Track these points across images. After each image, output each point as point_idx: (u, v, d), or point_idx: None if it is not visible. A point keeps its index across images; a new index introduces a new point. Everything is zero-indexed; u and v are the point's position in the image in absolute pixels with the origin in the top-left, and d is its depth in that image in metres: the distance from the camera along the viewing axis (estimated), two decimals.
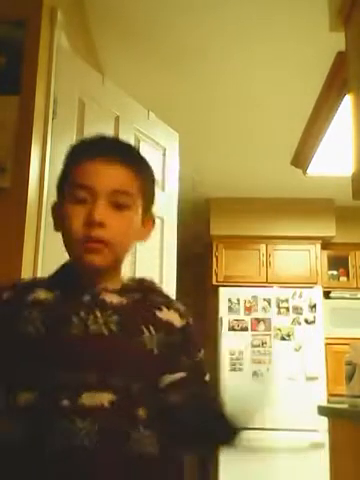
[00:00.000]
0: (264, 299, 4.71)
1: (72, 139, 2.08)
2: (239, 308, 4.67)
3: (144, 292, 1.01)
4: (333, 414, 2.08)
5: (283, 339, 4.58)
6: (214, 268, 4.90)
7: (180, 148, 2.70)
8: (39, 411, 0.86)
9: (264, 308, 4.69)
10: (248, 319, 4.64)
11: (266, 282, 4.88)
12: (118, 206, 0.94)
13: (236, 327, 4.55)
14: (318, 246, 4.99)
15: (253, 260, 4.94)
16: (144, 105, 2.48)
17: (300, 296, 4.72)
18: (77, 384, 0.87)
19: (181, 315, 1.01)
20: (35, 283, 1.01)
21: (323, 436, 3.68)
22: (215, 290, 4.75)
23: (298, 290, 4.73)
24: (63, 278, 0.99)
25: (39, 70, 1.88)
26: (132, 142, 2.40)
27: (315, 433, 4.10)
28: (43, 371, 0.88)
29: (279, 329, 4.61)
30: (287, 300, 4.71)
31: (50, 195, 1.92)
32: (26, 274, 1.76)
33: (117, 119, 2.32)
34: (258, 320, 4.64)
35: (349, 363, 1.93)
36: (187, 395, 0.96)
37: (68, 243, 0.96)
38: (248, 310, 4.67)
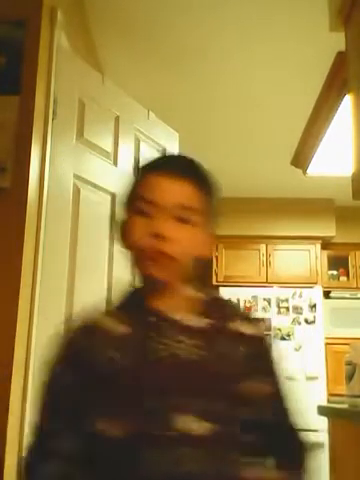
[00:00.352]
0: (264, 299, 4.71)
1: (72, 139, 2.08)
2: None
3: (216, 307, 1.00)
4: (333, 414, 2.08)
5: (283, 339, 4.58)
6: (214, 268, 4.90)
7: (180, 148, 2.70)
8: (128, 440, 0.86)
9: (264, 308, 4.69)
10: None
11: (266, 282, 4.88)
12: (182, 221, 0.93)
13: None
14: (318, 246, 5.00)
15: (253, 260, 4.95)
16: (144, 105, 2.48)
17: (300, 296, 4.72)
18: (165, 410, 0.86)
19: (255, 325, 1.00)
20: (103, 314, 1.00)
21: (323, 436, 3.68)
22: (215, 290, 4.75)
23: (298, 290, 4.73)
24: (132, 303, 0.98)
25: (39, 70, 1.88)
26: (132, 142, 2.41)
27: (315, 433, 4.09)
28: (129, 400, 0.88)
29: (279, 329, 4.61)
30: (287, 300, 4.71)
31: (50, 195, 1.93)
32: (25, 274, 1.76)
33: (117, 119, 2.32)
34: None
35: (349, 363, 1.93)
36: (276, 410, 0.97)
37: (134, 258, 0.96)
38: (248, 310, 4.66)
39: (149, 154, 2.50)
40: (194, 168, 1.00)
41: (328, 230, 5.01)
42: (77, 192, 2.08)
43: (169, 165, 0.99)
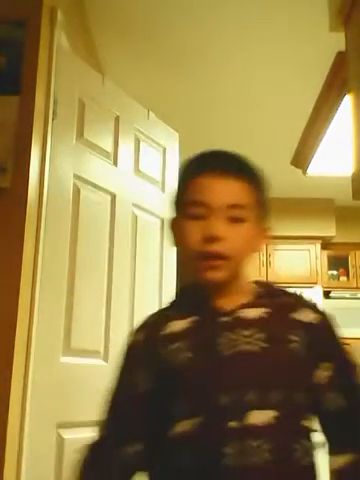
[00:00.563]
0: None
1: (72, 139, 2.08)
2: None
3: (274, 296, 1.01)
4: None
5: None
6: None
7: (180, 148, 2.70)
8: (207, 436, 0.87)
9: None
10: None
11: None
12: (234, 220, 0.94)
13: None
14: (318, 246, 5.00)
15: (253, 260, 4.94)
16: (144, 105, 2.48)
17: None
18: (240, 404, 0.87)
19: (313, 309, 1.00)
20: (166, 315, 1.00)
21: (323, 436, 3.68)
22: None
23: (298, 290, 4.72)
24: (191, 302, 0.99)
25: (39, 70, 1.88)
26: (132, 142, 2.41)
27: (315, 433, 4.10)
28: (204, 397, 0.89)
29: None
30: None
31: (50, 195, 1.93)
32: (25, 274, 1.76)
33: (117, 119, 2.32)
34: None
35: None
36: (340, 391, 0.96)
37: (188, 260, 0.96)
38: None
39: (149, 154, 2.50)
40: (241, 164, 1.00)
41: (328, 230, 5.01)
42: (77, 192, 2.08)
43: (216, 165, 0.97)
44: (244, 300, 0.97)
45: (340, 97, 2.17)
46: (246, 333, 0.92)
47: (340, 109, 2.24)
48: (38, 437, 1.77)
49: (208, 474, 0.85)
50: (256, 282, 1.04)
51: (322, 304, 4.69)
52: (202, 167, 0.98)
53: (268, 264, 4.95)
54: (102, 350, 2.07)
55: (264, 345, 0.91)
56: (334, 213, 5.03)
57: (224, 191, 0.94)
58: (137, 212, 2.35)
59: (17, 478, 1.68)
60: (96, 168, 2.18)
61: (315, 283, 4.85)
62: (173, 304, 1.05)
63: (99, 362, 2.04)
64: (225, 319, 0.94)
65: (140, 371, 0.96)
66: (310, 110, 2.48)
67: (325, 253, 5.04)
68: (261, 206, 1.00)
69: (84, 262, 2.05)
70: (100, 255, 2.15)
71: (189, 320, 0.95)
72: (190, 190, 0.96)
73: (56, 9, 2.00)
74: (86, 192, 2.12)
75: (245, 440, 0.85)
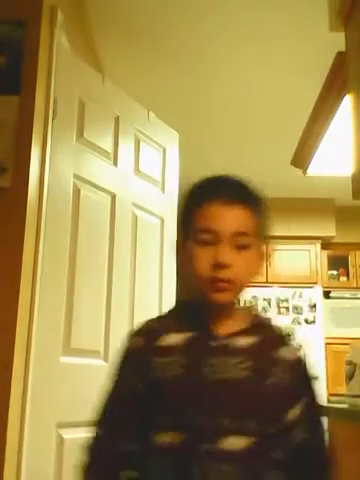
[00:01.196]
0: (264, 299, 4.72)
1: (72, 139, 2.08)
2: None
3: (262, 328, 1.06)
4: (333, 414, 2.08)
5: None
6: None
7: (180, 148, 2.70)
8: (183, 452, 0.92)
9: (264, 308, 4.69)
10: None
11: (266, 282, 4.87)
12: (240, 247, 0.99)
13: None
14: (318, 246, 5.00)
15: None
16: (144, 105, 2.48)
17: (300, 296, 4.72)
18: (216, 428, 0.92)
19: (295, 350, 1.06)
20: (165, 325, 1.04)
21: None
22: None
23: (298, 290, 4.73)
24: (190, 318, 1.03)
25: (39, 70, 1.88)
26: (132, 142, 2.41)
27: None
28: (184, 414, 0.94)
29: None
30: (287, 300, 4.71)
31: (50, 195, 1.93)
32: (25, 274, 1.76)
33: (117, 119, 2.32)
34: None
35: (349, 363, 1.93)
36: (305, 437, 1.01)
37: (195, 281, 1.00)
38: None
39: (149, 154, 2.50)
40: (246, 192, 1.05)
41: (328, 230, 5.01)
42: (77, 192, 2.08)
43: (223, 193, 1.01)
44: (238, 327, 1.02)
45: (340, 97, 2.16)
46: (233, 361, 0.96)
47: (340, 109, 2.23)
48: (38, 437, 1.77)
49: None
50: (249, 310, 1.10)
51: (322, 304, 4.70)
52: (210, 195, 1.01)
53: (268, 264, 4.94)
54: (102, 350, 2.07)
55: (248, 375, 0.96)
56: (334, 213, 5.03)
57: (232, 219, 0.99)
58: (137, 212, 2.35)
59: (17, 478, 1.68)
60: (96, 168, 2.18)
61: (315, 283, 4.85)
62: (171, 314, 1.09)
63: (99, 362, 2.04)
64: (217, 343, 0.99)
65: (134, 375, 1.00)
66: (310, 110, 2.48)
67: (325, 253, 5.04)
68: (263, 233, 1.05)
69: (84, 262, 2.05)
70: (100, 255, 2.15)
71: (184, 336, 1.00)
72: (199, 217, 1.01)
73: (56, 9, 2.00)
74: (86, 192, 2.12)
75: (215, 463, 0.90)
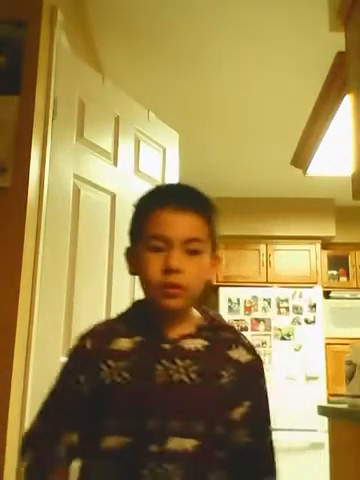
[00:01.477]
0: (264, 299, 4.71)
1: (72, 139, 2.08)
2: (239, 308, 4.68)
3: (215, 330, 1.06)
4: (333, 414, 2.08)
5: (283, 339, 4.58)
6: None
7: (180, 148, 2.70)
8: (130, 455, 0.93)
9: (264, 308, 4.69)
10: (248, 319, 4.64)
11: (266, 282, 4.88)
12: (191, 252, 0.99)
13: (236, 327, 4.55)
14: (318, 246, 5.00)
15: (253, 260, 4.94)
16: (144, 105, 2.48)
17: (300, 296, 4.72)
18: (163, 430, 0.94)
19: (248, 350, 1.06)
20: (115, 329, 1.04)
21: (323, 436, 3.68)
22: (215, 290, 4.75)
23: (298, 290, 4.73)
24: (140, 322, 1.04)
25: (39, 70, 1.88)
26: (132, 142, 2.41)
27: (315, 433, 4.10)
28: (132, 418, 0.95)
29: (279, 329, 4.61)
30: (287, 300, 4.71)
31: (50, 195, 1.93)
32: (25, 274, 1.76)
33: (117, 119, 2.32)
34: (258, 320, 4.64)
35: (349, 363, 1.93)
36: (250, 437, 1.01)
37: (146, 287, 1.02)
38: (248, 310, 4.67)
39: (149, 154, 2.50)
40: (198, 199, 1.05)
41: (328, 230, 5.01)
42: (77, 192, 2.08)
43: (175, 200, 1.02)
44: (187, 330, 1.02)
45: (340, 97, 2.16)
46: (182, 364, 0.98)
47: (340, 109, 2.23)
48: None
49: None
50: (203, 312, 1.09)
51: (322, 304, 4.70)
52: (161, 202, 1.02)
53: (268, 264, 4.94)
54: None
55: (195, 378, 0.97)
56: (334, 213, 5.02)
57: (183, 226, 1.00)
58: None
59: (17, 478, 1.68)
60: (96, 168, 2.19)
61: (315, 283, 4.85)
62: (122, 318, 1.09)
63: None
64: (166, 347, 1.00)
65: (81, 376, 1.00)
66: (310, 110, 2.48)
67: (325, 253, 5.04)
68: (214, 238, 1.06)
69: (84, 262, 2.05)
70: (100, 255, 2.15)
71: (134, 340, 1.01)
72: (150, 224, 1.01)
73: (56, 9, 2.00)
74: (86, 192, 2.12)
75: (162, 464, 0.92)
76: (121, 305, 2.26)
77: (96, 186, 2.17)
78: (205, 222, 1.02)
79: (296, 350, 4.55)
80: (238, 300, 4.69)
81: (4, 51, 1.87)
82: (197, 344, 1.01)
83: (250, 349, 1.07)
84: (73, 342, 1.07)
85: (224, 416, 1.00)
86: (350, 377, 1.91)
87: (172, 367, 0.97)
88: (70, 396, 1.01)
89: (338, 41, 1.95)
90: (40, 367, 1.79)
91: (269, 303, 4.70)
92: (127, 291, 2.21)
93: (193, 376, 0.97)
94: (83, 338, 1.05)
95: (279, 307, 4.69)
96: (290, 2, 2.48)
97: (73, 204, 2.05)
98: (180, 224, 1.00)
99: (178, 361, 0.98)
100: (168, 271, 0.97)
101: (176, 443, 0.93)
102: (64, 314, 1.94)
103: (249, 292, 4.72)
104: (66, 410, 1.01)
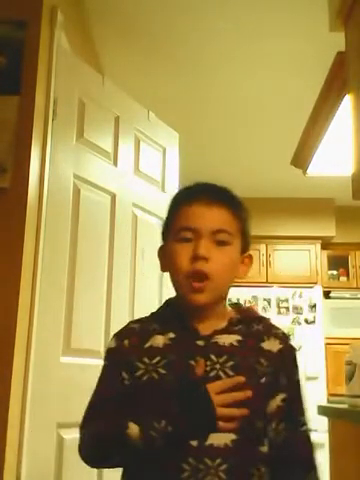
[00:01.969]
0: (264, 299, 4.72)
1: (72, 139, 2.08)
2: None
3: (247, 324, 1.07)
4: (333, 414, 2.08)
5: None
6: None
7: (180, 148, 2.70)
8: (170, 450, 0.94)
9: (264, 308, 4.69)
10: None
11: (266, 282, 4.88)
12: (219, 243, 1.03)
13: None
14: (318, 246, 5.00)
15: (253, 260, 4.94)
16: (144, 105, 2.48)
17: (300, 296, 4.72)
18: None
19: (280, 340, 1.06)
20: (148, 327, 1.07)
21: (323, 436, 3.68)
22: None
23: (298, 290, 4.73)
24: (173, 320, 1.06)
25: (39, 70, 1.88)
26: (132, 142, 2.41)
27: (315, 433, 4.10)
28: (171, 413, 0.95)
29: None
30: (287, 300, 4.71)
31: (50, 195, 1.93)
32: (25, 274, 1.76)
33: (117, 119, 2.32)
34: None
35: (349, 363, 1.92)
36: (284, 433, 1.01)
37: (175, 280, 1.05)
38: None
39: (149, 154, 2.50)
40: (225, 195, 1.09)
41: (328, 230, 5.01)
42: (77, 192, 2.08)
43: (203, 195, 1.06)
44: (219, 326, 1.04)
45: (340, 97, 2.16)
46: (217, 360, 0.99)
47: (340, 109, 2.23)
48: (38, 437, 1.77)
49: None
50: (234, 307, 1.12)
51: (322, 304, 4.70)
52: (190, 197, 1.06)
53: (268, 264, 4.94)
54: (102, 350, 2.06)
55: (232, 373, 0.98)
56: (334, 213, 5.03)
57: (210, 217, 1.04)
58: (137, 212, 2.35)
59: (17, 478, 1.68)
60: (96, 168, 2.18)
61: (315, 283, 4.85)
62: (154, 316, 1.11)
63: (99, 362, 2.03)
64: (200, 343, 1.01)
65: (124, 373, 1.03)
66: (310, 110, 2.48)
67: (325, 253, 5.04)
68: (244, 235, 1.09)
69: (84, 262, 2.05)
70: (100, 255, 2.15)
71: (168, 336, 1.03)
72: (179, 218, 1.05)
73: (56, 9, 2.00)
74: (86, 192, 2.12)
75: (202, 458, 0.93)
76: (121, 305, 2.28)
77: (96, 186, 2.17)
78: (233, 216, 1.06)
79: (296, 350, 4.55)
80: (238, 300, 4.69)
81: (4, 51, 1.87)
82: (231, 340, 1.02)
83: (282, 338, 1.07)
84: (108, 342, 1.10)
85: (262, 410, 1.00)
86: (350, 377, 1.91)
87: (207, 363, 0.99)
88: (117, 394, 1.02)
89: (338, 41, 1.95)
90: (40, 367, 1.79)
91: (269, 303, 4.70)
92: (127, 291, 2.21)
93: (229, 372, 0.98)
94: (119, 337, 1.07)
95: (279, 307, 4.69)
96: (290, 2, 2.48)
97: (73, 204, 2.05)
98: (208, 215, 1.03)
99: (213, 357, 0.99)
100: (196, 258, 1.00)
101: (216, 438, 0.94)
102: (64, 314, 1.94)
103: (249, 292, 4.72)
104: (116, 406, 1.02)
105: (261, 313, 4.64)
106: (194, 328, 1.03)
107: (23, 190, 1.78)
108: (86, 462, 1.03)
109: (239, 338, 1.03)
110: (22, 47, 1.87)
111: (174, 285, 1.06)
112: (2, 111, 1.82)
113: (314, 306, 4.68)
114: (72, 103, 2.10)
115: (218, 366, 0.99)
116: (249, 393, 0.97)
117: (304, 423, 1.04)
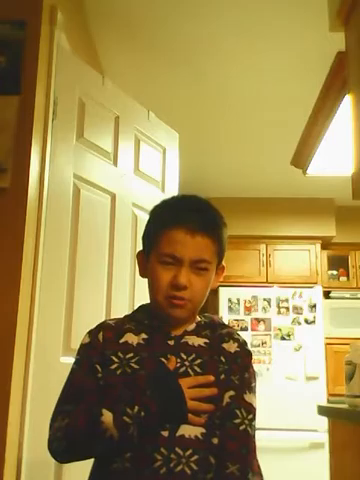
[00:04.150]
0: (264, 299, 4.71)
1: (72, 139, 2.08)
2: (239, 308, 4.68)
3: (212, 327, 1.16)
4: (333, 414, 2.08)
5: (283, 339, 4.58)
6: None
7: (180, 148, 2.70)
8: (143, 440, 1.00)
9: (264, 308, 4.69)
10: (248, 319, 4.64)
11: (266, 282, 4.88)
12: (198, 270, 1.10)
13: (236, 327, 4.55)
14: (318, 246, 5.00)
15: (253, 260, 4.94)
16: (144, 105, 2.48)
17: (300, 296, 4.71)
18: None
19: (238, 343, 1.14)
20: (124, 326, 1.14)
21: (323, 436, 3.68)
22: (215, 290, 4.74)
23: (298, 290, 4.73)
24: (146, 323, 1.14)
25: (39, 70, 1.88)
26: (132, 142, 2.41)
27: (315, 433, 4.10)
28: (145, 400, 1.01)
29: (279, 329, 4.61)
30: (287, 300, 4.71)
31: (50, 195, 1.93)
32: (25, 274, 1.76)
33: (117, 119, 2.32)
34: (258, 320, 4.64)
35: (349, 363, 1.92)
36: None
37: (154, 294, 1.12)
38: (248, 310, 4.67)
39: (149, 154, 2.50)
40: (210, 219, 1.14)
41: (328, 230, 5.01)
42: (77, 192, 2.08)
43: (188, 220, 1.10)
44: (189, 327, 1.14)
45: (340, 97, 2.16)
46: (186, 358, 1.08)
47: (340, 109, 2.23)
48: (38, 437, 1.77)
49: (140, 473, 0.99)
50: (203, 314, 1.20)
51: (322, 304, 4.70)
52: (174, 222, 1.11)
53: (268, 264, 4.94)
54: None
55: (200, 370, 1.07)
56: (334, 213, 5.03)
57: (193, 247, 1.09)
58: (137, 212, 2.35)
59: (17, 478, 1.68)
60: (96, 168, 2.19)
61: (315, 283, 4.85)
62: (129, 317, 1.18)
63: None
64: (171, 342, 1.10)
65: (98, 366, 1.08)
66: (310, 110, 2.48)
67: (325, 253, 5.04)
68: (221, 254, 1.16)
69: (84, 262, 2.05)
70: (100, 255, 2.15)
71: (141, 337, 1.11)
72: (164, 241, 1.11)
73: (56, 9, 2.00)
74: (86, 192, 2.12)
75: (174, 448, 1.00)
76: (121, 305, 2.28)
77: (96, 186, 2.17)
78: (214, 242, 1.12)
79: (296, 350, 4.55)
80: (238, 300, 4.69)
81: (4, 51, 1.87)
82: (200, 342, 1.12)
83: (240, 344, 1.14)
84: (82, 338, 1.14)
85: (220, 405, 1.07)
86: (350, 377, 1.91)
87: (178, 361, 1.07)
88: (90, 386, 1.07)
89: (338, 41, 1.95)
90: (40, 367, 1.79)
91: (269, 303, 4.70)
92: (127, 291, 2.21)
93: (197, 369, 1.07)
94: (92, 333, 1.13)
95: (279, 307, 4.68)
96: (290, 2, 2.48)
97: (73, 204, 2.05)
98: (191, 245, 1.09)
99: (183, 355, 1.08)
100: (176, 287, 1.07)
101: (187, 430, 1.02)
102: (64, 314, 1.94)
103: (249, 292, 4.72)
104: (89, 397, 1.06)
105: (261, 313, 4.66)
106: (166, 330, 1.11)
107: (23, 190, 1.78)
108: (55, 456, 1.08)
109: (207, 341, 1.12)
110: (22, 47, 1.87)
111: (151, 295, 1.14)
112: (2, 111, 1.82)
113: (314, 306, 4.68)
114: (72, 103, 2.10)
115: (187, 363, 1.07)
116: (215, 390, 1.06)
117: (242, 422, 1.07)
